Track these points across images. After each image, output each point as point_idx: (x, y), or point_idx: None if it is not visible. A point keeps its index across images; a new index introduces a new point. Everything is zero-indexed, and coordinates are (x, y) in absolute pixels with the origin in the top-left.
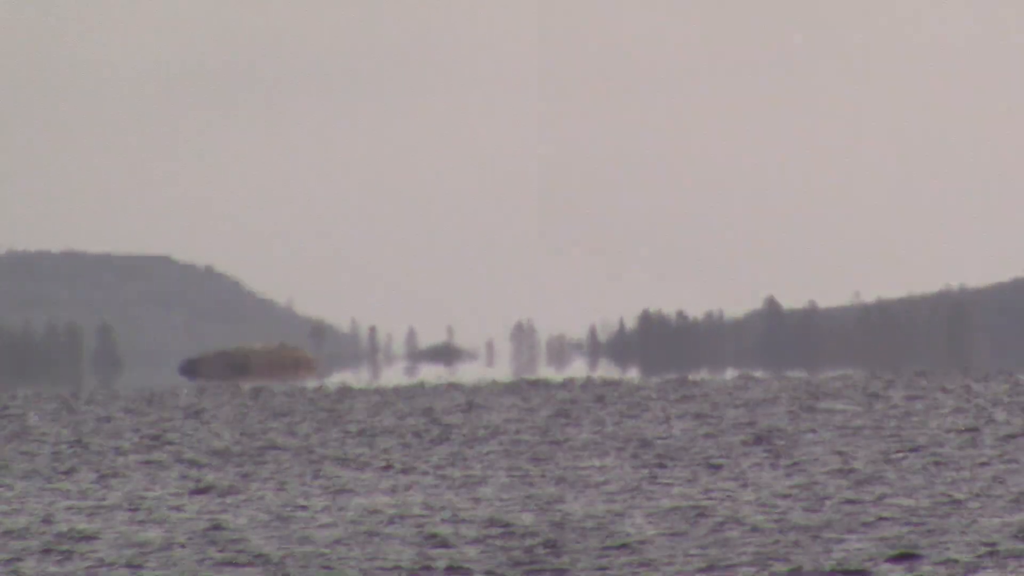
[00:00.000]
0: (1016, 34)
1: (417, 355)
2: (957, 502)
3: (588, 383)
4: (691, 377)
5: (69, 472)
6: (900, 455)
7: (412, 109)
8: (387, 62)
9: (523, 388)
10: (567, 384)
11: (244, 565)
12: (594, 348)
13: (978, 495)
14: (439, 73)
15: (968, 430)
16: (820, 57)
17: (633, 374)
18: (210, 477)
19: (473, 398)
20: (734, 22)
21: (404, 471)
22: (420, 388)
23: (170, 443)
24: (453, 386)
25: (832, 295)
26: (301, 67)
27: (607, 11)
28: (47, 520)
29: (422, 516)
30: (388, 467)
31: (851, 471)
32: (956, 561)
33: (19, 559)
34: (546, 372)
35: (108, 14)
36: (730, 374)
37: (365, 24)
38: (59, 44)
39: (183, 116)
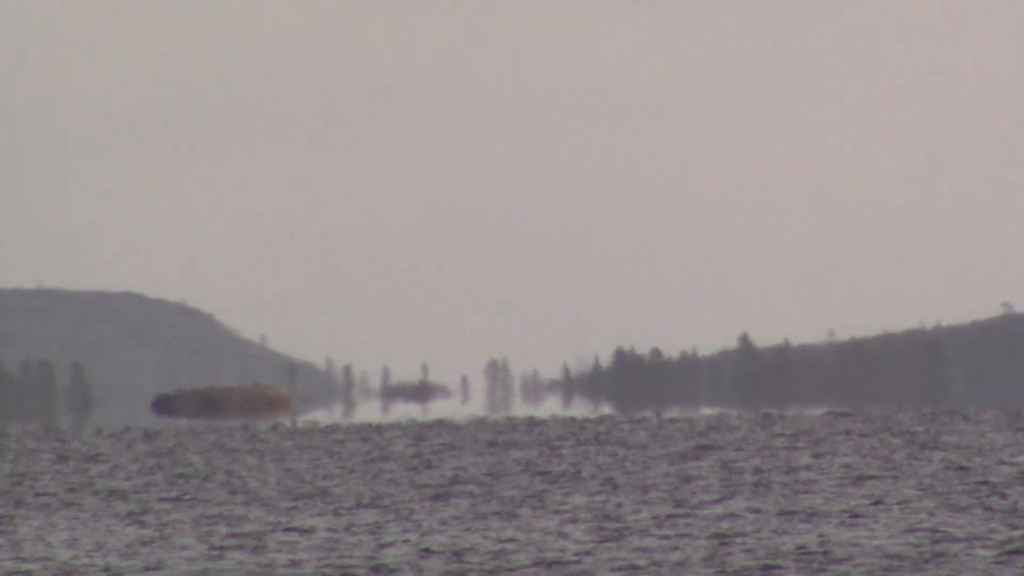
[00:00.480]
0: (988, 74)
1: (391, 392)
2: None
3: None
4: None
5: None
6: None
7: (386, 145)
8: (361, 95)
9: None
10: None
11: None
12: (568, 385)
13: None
14: (415, 108)
15: None
16: (797, 94)
17: (607, 411)
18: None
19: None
20: (710, 59)
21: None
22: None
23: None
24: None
25: (806, 333)
26: (276, 105)
27: (579, 45)
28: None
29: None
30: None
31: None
32: None
33: None
34: (520, 409)
35: (79, 53)
36: (705, 411)
37: (338, 57)
38: (29, 82)
39: (157, 153)
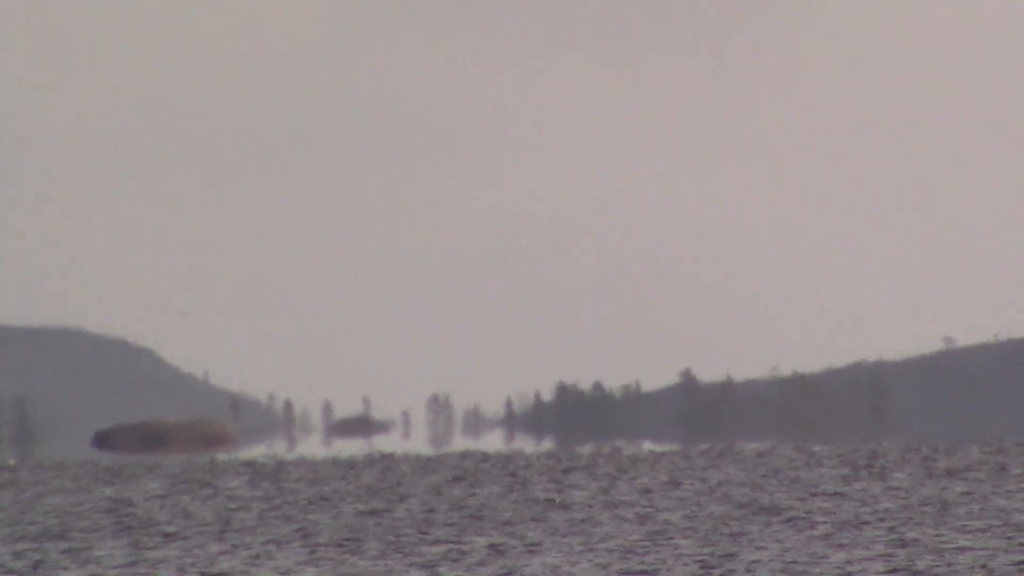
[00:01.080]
0: (931, 109)
1: (334, 427)
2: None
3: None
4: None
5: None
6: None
7: (329, 181)
8: (304, 129)
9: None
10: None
11: None
12: (510, 420)
13: None
14: (358, 143)
15: None
16: (738, 133)
17: (549, 446)
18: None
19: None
20: (649, 97)
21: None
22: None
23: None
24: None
25: (749, 368)
26: (212, 140)
27: (517, 86)
28: None
29: None
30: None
31: None
32: None
33: None
34: (463, 444)
35: (15, 90)
36: (647, 447)
37: (281, 91)
38: None
39: (99, 189)
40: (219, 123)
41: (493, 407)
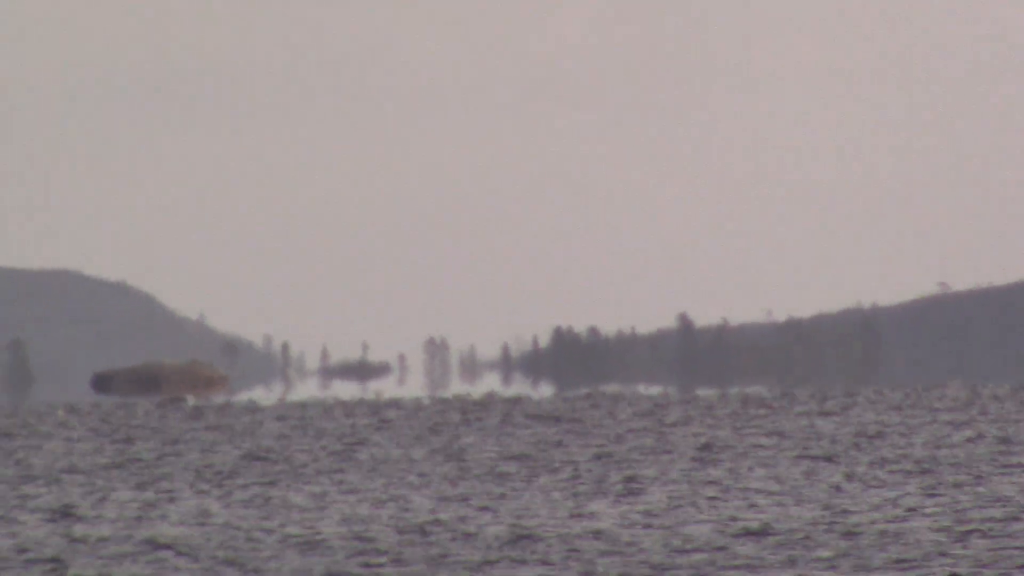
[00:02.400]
0: (924, 56)
1: (330, 371)
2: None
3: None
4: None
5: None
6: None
7: (323, 123)
8: (304, 75)
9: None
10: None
11: None
12: (507, 363)
13: None
14: (355, 89)
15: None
16: (738, 77)
17: (545, 390)
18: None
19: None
20: (655, 38)
21: None
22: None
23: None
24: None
25: (744, 312)
26: (213, 80)
27: (515, 32)
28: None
29: None
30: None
31: None
32: None
33: None
34: (458, 388)
35: (18, 33)
36: (643, 390)
37: (278, 39)
38: None
39: (95, 129)
40: (214, 62)
41: (490, 351)
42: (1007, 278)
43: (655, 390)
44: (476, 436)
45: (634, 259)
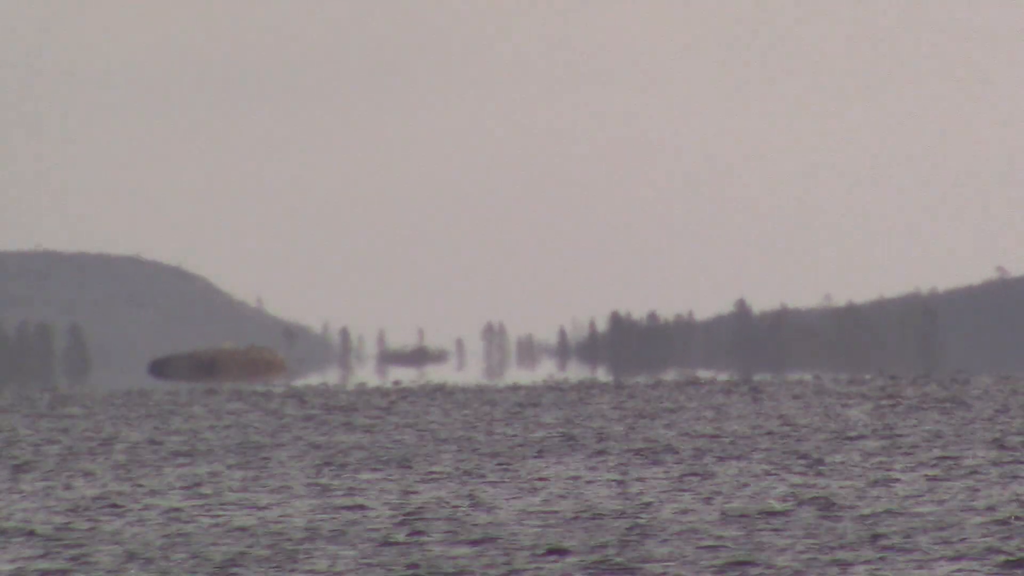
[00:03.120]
0: (978, 39)
1: (388, 357)
2: None
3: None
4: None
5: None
6: None
7: (381, 111)
8: (362, 63)
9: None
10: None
11: None
12: (564, 349)
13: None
14: (406, 76)
15: None
16: (790, 59)
17: (603, 375)
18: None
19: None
20: (703, 27)
21: None
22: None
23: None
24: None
25: (802, 297)
26: (271, 67)
27: (569, 10)
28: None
29: None
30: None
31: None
32: None
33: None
34: (516, 374)
35: (71, 11)
36: (702, 374)
37: (340, 27)
38: (21, 44)
39: (154, 116)
40: (273, 50)
41: (547, 336)
42: None
43: (713, 375)
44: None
45: (692, 244)
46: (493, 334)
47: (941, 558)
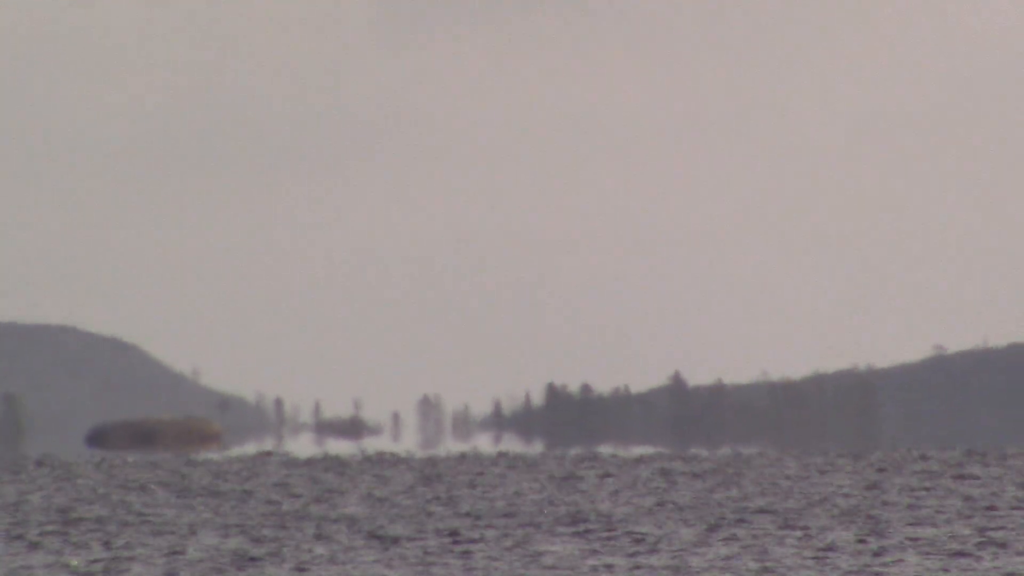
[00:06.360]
0: (927, 115)
1: (324, 427)
2: None
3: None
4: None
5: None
6: None
7: (319, 181)
8: (295, 136)
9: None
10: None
11: None
12: (499, 422)
13: None
14: (351, 145)
15: None
16: (722, 131)
17: (538, 448)
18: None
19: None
20: (641, 101)
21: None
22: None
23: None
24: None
25: (739, 372)
26: (206, 137)
27: (514, 88)
28: None
29: None
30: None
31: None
32: None
33: None
34: (452, 446)
35: (16, 89)
36: (637, 451)
37: (272, 100)
38: None
39: (90, 186)
40: (209, 122)
41: (483, 408)
42: (1002, 339)
43: (648, 450)
44: None
45: (628, 317)
46: (429, 407)
47: None
